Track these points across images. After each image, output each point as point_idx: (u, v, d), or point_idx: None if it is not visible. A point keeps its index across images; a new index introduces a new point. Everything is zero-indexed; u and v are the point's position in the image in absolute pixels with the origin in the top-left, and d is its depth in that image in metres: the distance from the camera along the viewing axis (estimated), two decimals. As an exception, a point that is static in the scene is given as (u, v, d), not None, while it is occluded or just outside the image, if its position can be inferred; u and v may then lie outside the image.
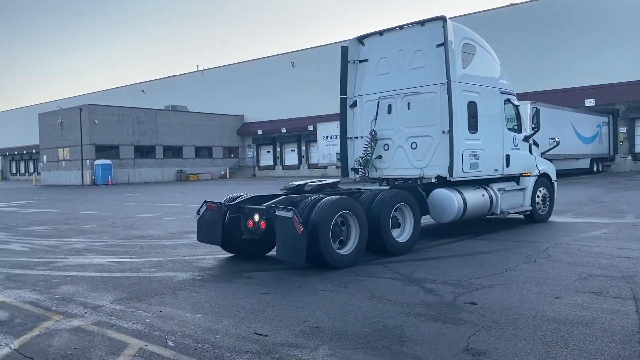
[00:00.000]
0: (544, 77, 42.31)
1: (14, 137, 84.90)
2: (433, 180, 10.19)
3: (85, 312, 5.89)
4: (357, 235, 7.89)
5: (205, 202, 8.65)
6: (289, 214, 7.16)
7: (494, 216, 11.36)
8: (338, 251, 7.66)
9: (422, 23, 10.16)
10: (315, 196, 7.94)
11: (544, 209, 12.32)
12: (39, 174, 60.35)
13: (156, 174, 54.14)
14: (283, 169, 59.31)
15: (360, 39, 11.13)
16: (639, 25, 39.42)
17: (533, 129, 12.27)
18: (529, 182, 11.83)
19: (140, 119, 53.28)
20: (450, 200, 9.94)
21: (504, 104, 11.13)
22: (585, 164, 34.96)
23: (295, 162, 58.64)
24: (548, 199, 12.40)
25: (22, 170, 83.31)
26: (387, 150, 10.76)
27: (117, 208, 20.52)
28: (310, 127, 51.08)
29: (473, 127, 10.15)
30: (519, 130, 11.67)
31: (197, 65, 76.57)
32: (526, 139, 11.92)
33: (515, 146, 11.42)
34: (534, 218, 12.04)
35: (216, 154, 60.81)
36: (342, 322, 5.31)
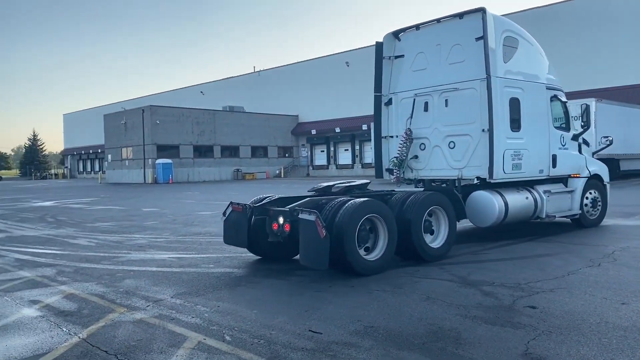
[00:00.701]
0: (611, 73, 40.35)
1: (82, 137, 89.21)
2: (475, 181, 9.67)
3: (147, 306, 6.13)
4: (385, 240, 7.50)
5: (230, 203, 8.50)
6: (311, 217, 6.87)
7: (538, 220, 10.72)
8: (365, 257, 7.29)
9: (460, 15, 9.66)
10: (342, 198, 7.61)
11: (594, 213, 11.53)
12: (104, 172, 63.16)
13: (214, 173, 55.49)
14: (337, 168, 59.42)
15: (396, 34, 10.68)
16: None
17: (582, 126, 11.50)
18: (578, 184, 11.10)
19: (199, 119, 54.76)
20: (490, 203, 9.42)
21: (550, 100, 10.46)
22: None
23: (349, 162, 58.59)
24: (599, 202, 11.60)
25: (89, 169, 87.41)
26: (424, 150, 10.28)
27: (177, 206, 21.17)
28: (365, 127, 50.92)
29: (515, 125, 9.56)
30: (567, 129, 10.96)
31: (254, 67, 78.00)
32: (575, 137, 11.19)
33: (563, 145, 10.74)
34: (581, 223, 11.28)
35: (271, 154, 61.66)
36: (396, 323, 5.27)
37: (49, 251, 10.26)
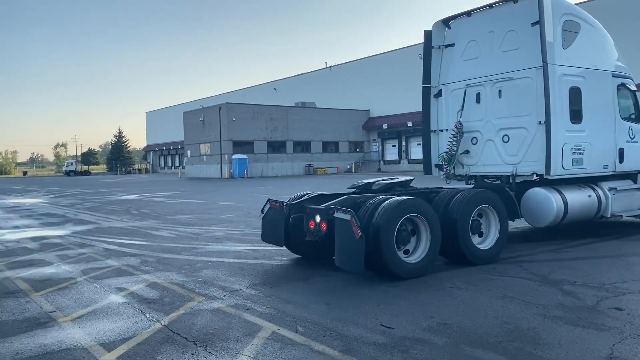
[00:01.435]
0: None
1: (163, 134, 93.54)
2: (534, 177, 8.91)
3: (224, 295, 6.36)
4: (428, 241, 7.03)
5: (268, 200, 8.29)
6: (346, 217, 6.51)
7: (602, 219, 9.89)
8: (404, 259, 6.86)
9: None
10: (380, 197, 7.17)
11: None
12: (183, 167, 65.93)
13: (287, 168, 56.47)
14: (409, 163, 58.64)
15: (446, 22, 10.12)
16: None
17: None
18: None
19: (272, 115, 55.88)
20: (548, 202, 8.74)
21: (617, 89, 9.56)
22: None
23: (421, 156, 57.68)
24: None
25: (169, 164, 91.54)
26: (475, 144, 9.67)
27: (252, 199, 21.73)
28: (438, 120, 49.85)
29: (576, 116, 8.79)
30: (637, 120, 10.02)
31: (326, 62, 78.51)
32: None
33: (632, 138, 9.81)
34: None
35: (342, 149, 61.83)
36: (471, 321, 5.16)
37: (134, 242, 10.86)
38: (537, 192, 8.92)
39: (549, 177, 8.63)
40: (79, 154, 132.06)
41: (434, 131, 10.42)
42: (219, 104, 55.41)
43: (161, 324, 5.30)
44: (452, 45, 10.06)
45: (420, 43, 10.62)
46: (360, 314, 5.44)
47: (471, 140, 9.75)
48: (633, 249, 8.53)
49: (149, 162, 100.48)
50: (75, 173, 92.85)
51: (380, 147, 62.81)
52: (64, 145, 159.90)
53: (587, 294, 5.93)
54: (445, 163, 9.91)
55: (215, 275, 7.51)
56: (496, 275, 6.98)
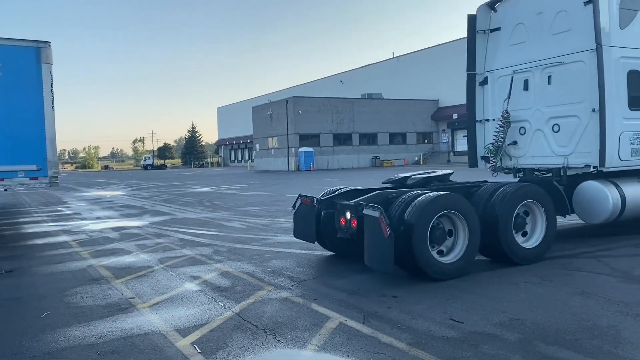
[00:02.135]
0: None
1: (233, 128, 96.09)
2: (591, 170, 8.19)
3: (292, 285, 6.47)
4: (465, 240, 6.59)
5: (299, 195, 8.10)
6: (375, 213, 6.15)
7: None
8: (439, 258, 6.45)
9: None
10: (414, 192, 6.74)
11: None
12: (252, 161, 67.47)
13: (352, 160, 56.46)
14: (480, 154, 57.00)
15: (492, 5, 9.54)
16: None
17: None
18: None
19: (338, 108, 55.98)
20: (602, 196, 8.07)
21: None
22: None
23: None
24: None
25: (239, 158, 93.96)
26: (524, 134, 9.08)
27: (318, 192, 21.88)
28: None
29: (635, 103, 8.03)
30: None
31: (393, 52, 77.59)
32: None
33: None
34: None
35: (410, 140, 61.01)
36: (545, 317, 4.96)
37: (207, 232, 11.26)
38: (591, 185, 8.27)
39: (605, 170, 8.01)
40: (155, 148, 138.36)
41: (480, 121, 9.91)
42: (285, 98, 56.19)
43: (232, 311, 5.47)
44: (498, 29, 9.51)
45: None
46: (428, 308, 5.37)
47: (519, 130, 9.19)
48: None
49: (221, 156, 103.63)
50: (152, 167, 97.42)
51: (450, 138, 61.38)
52: (142, 140, 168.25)
53: (675, 291, 5.55)
54: (492, 155, 9.40)
55: (284, 265, 7.65)
56: (573, 270, 6.68)
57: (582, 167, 8.31)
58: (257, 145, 61.86)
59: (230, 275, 7.14)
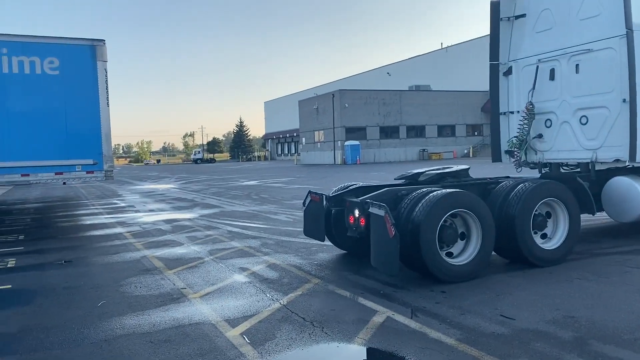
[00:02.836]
0: None
1: (280, 122, 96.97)
2: (627, 164, 7.72)
3: (339, 279, 6.48)
4: (478, 240, 6.21)
5: (309, 192, 7.83)
6: (380, 212, 5.83)
7: None
8: (449, 260, 6.10)
9: None
10: (424, 189, 6.40)
11: None
12: (298, 154, 67.91)
13: (399, 153, 55.94)
14: (532, 146, 55.36)
15: None
16: None
17: None
18: None
19: (385, 100, 55.53)
20: (634, 193, 7.59)
21: None
22: None
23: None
24: None
25: (286, 152, 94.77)
26: (549, 127, 8.53)
27: (365, 185, 21.82)
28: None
29: None
30: None
31: (441, 43, 76.27)
32: None
33: None
34: None
35: (459, 132, 59.86)
36: (602, 315, 4.78)
37: (254, 225, 11.43)
38: (621, 181, 7.77)
39: (635, 164, 7.55)
40: (204, 142, 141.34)
41: (504, 113, 9.37)
42: (332, 92, 56.18)
43: (280, 303, 5.54)
44: (523, 16, 8.93)
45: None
46: (478, 303, 5.27)
47: (545, 122, 8.65)
48: None
49: (268, 150, 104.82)
50: (202, 160, 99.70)
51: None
52: (192, 135, 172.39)
53: None
54: (516, 149, 8.90)
55: (330, 258, 7.67)
56: (632, 267, 6.40)
57: (612, 162, 7.80)
58: (304, 139, 62.18)
59: (277, 268, 7.22)
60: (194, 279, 6.81)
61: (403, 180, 7.63)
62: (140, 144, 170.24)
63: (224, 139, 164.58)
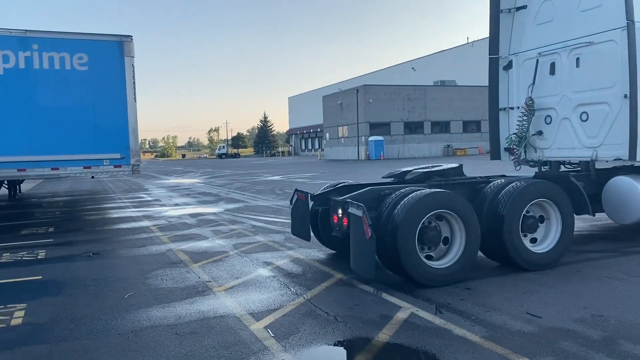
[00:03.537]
0: None
1: (304, 118, 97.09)
2: (620, 164, 7.44)
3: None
4: (462, 243, 5.93)
5: (295, 190, 7.63)
6: (358, 212, 5.63)
7: None
8: (430, 263, 5.86)
9: None
10: (406, 189, 6.16)
11: None
12: (322, 150, 67.91)
13: (424, 149, 55.49)
14: (560, 142, 54.35)
15: None
16: None
17: None
18: None
19: (409, 96, 55.11)
20: (635, 193, 7.21)
21: None
22: None
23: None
24: None
25: (310, 147, 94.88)
26: (549, 123, 8.21)
27: (389, 181, 21.72)
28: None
29: None
30: None
31: (467, 38, 75.31)
32: None
33: None
34: None
35: (485, 128, 58.94)
36: (632, 314, 4.68)
37: (278, 220, 11.48)
38: (621, 181, 7.41)
39: (635, 163, 7.23)
40: (229, 138, 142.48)
41: (504, 109, 9.04)
42: (356, 87, 55.98)
43: (304, 297, 5.56)
44: (524, 7, 8.59)
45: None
46: (503, 301, 5.21)
47: (544, 119, 8.33)
48: None
49: (291, 145, 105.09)
50: (226, 155, 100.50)
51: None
52: (216, 130, 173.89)
53: None
54: (515, 146, 8.59)
55: (354, 254, 7.65)
56: (664, 267, 6.24)
57: (612, 161, 7.46)
58: (327, 134, 62.15)
59: (301, 262, 7.24)
60: (218, 272, 6.88)
61: (393, 179, 7.36)
62: (166, 139, 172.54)
63: (248, 134, 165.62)
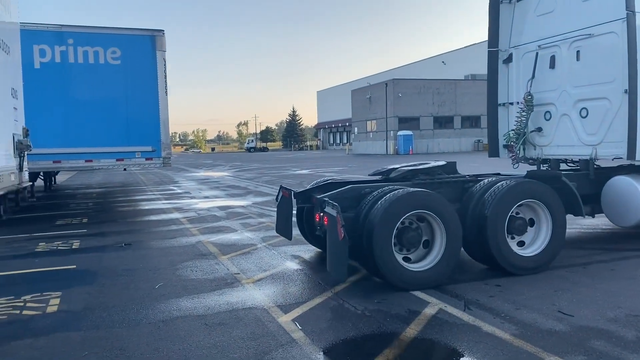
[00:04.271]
0: None
1: (332, 112, 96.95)
2: (621, 163, 7.05)
3: (391, 269, 6.43)
4: (442, 244, 5.66)
5: (280, 187, 7.41)
6: (333, 212, 5.40)
7: None
8: (407, 265, 5.60)
9: None
10: (386, 187, 5.93)
11: None
12: (350, 144, 67.75)
13: (453, 144, 54.82)
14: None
15: None
16: None
17: None
18: None
19: (439, 90, 54.47)
20: (635, 195, 6.84)
21: None
22: None
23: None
24: None
25: (338, 141, 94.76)
26: (549, 120, 7.87)
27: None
28: None
29: None
30: None
31: (498, 31, 73.85)
32: None
33: None
34: None
35: (516, 123, 58.02)
36: (669, 315, 4.54)
37: (306, 214, 11.50)
38: (621, 181, 7.03)
39: (635, 163, 6.88)
40: (258, 131, 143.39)
41: (503, 104, 8.67)
42: (385, 81, 55.58)
43: (331, 292, 5.57)
44: None
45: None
46: (534, 298, 5.12)
47: (544, 115, 7.98)
48: None
49: (320, 139, 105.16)
50: (255, 149, 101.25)
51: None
52: (245, 124, 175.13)
53: None
54: (513, 143, 8.27)
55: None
56: (703, 267, 6.04)
57: (612, 160, 7.12)
58: (356, 129, 61.97)
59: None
60: (247, 264, 6.94)
61: (380, 177, 7.08)
62: (195, 132, 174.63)
63: (276, 128, 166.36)
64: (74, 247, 8.48)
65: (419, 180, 6.62)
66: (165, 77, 13.41)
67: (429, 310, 4.87)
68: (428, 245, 5.78)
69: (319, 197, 6.19)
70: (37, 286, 6.08)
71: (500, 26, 8.55)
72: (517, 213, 6.18)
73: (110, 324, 4.77)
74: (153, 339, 4.38)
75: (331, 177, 7.33)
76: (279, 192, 7.34)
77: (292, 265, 6.81)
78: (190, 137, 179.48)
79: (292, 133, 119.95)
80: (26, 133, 11.86)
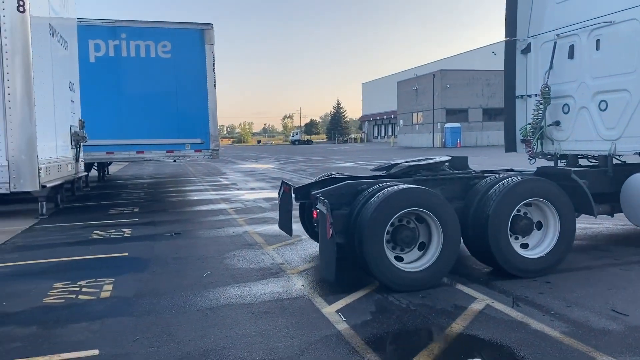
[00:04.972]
0: None
1: (377, 104, 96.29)
2: None
3: (436, 263, 6.35)
4: (439, 244, 5.41)
5: (282, 182, 7.19)
6: (323, 209, 5.24)
7: None
8: (400, 265, 5.37)
9: None
10: (382, 184, 5.68)
11: None
12: (395, 137, 67.17)
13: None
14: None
15: None
16: None
17: None
18: None
19: (489, 81, 53.17)
20: None
21: None
22: None
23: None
24: None
25: (382, 134, 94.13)
26: (567, 113, 7.44)
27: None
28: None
29: None
30: None
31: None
32: None
33: None
34: None
35: (569, 116, 56.08)
36: None
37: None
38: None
39: None
40: (302, 124, 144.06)
41: (521, 97, 8.27)
42: (432, 72, 54.74)
43: (376, 284, 5.55)
44: None
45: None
46: (586, 296, 4.96)
47: (562, 108, 7.55)
48: None
49: (364, 132, 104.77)
50: (300, 142, 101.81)
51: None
52: (290, 116, 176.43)
53: None
54: (530, 137, 7.89)
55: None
56: None
57: (632, 155, 6.72)
58: (401, 121, 61.36)
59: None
60: (291, 255, 7.01)
61: (383, 172, 6.86)
62: (242, 125, 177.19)
63: (321, 120, 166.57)
64: (125, 235, 8.79)
65: (421, 176, 6.34)
66: (214, 70, 13.65)
67: (476, 306, 4.79)
68: (424, 246, 5.57)
69: (313, 193, 5.98)
70: (92, 272, 6.34)
71: (518, 14, 8.16)
72: (525, 213, 5.89)
73: (160, 310, 4.93)
74: (201, 325, 4.49)
75: (333, 173, 7.19)
76: (280, 187, 7.18)
77: (337, 257, 6.82)
78: (237, 130, 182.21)
79: (336, 125, 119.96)
80: (82, 125, 12.36)
